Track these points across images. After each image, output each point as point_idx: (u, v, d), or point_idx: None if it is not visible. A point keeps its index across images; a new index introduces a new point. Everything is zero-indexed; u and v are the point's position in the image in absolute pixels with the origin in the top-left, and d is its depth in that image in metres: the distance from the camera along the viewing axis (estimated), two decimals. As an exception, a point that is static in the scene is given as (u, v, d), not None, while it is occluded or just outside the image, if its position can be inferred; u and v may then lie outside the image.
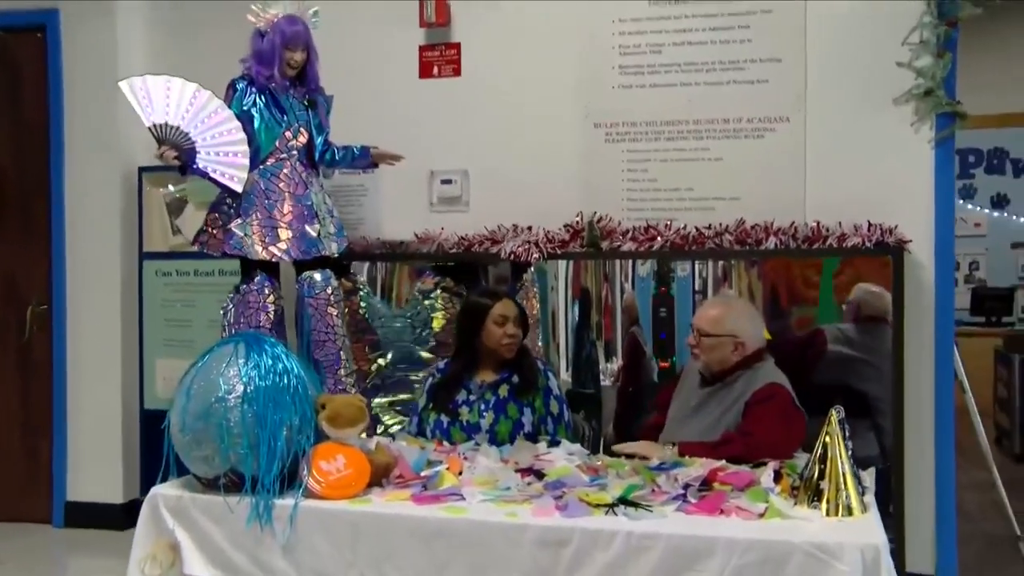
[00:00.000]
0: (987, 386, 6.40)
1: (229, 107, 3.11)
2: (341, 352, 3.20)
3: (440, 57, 3.76)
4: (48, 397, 4.28)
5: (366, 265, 3.66)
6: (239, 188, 3.04)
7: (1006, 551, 3.77)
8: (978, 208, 8.36)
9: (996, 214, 8.35)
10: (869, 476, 2.54)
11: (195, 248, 3.23)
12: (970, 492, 4.39)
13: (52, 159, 4.25)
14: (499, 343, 3.00)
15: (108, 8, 4.14)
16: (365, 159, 3.39)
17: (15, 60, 4.29)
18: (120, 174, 4.20)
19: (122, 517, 4.14)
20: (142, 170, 4.17)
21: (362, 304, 3.33)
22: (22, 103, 4.29)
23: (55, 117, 4.24)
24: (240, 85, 3.16)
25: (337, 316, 3.21)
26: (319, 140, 3.26)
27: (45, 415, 4.28)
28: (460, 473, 2.46)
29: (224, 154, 3.04)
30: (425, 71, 3.78)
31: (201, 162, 3.02)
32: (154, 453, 3.99)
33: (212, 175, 3.03)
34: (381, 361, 3.60)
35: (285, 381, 2.29)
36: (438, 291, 3.58)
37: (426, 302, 3.58)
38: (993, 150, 8.35)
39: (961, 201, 8.27)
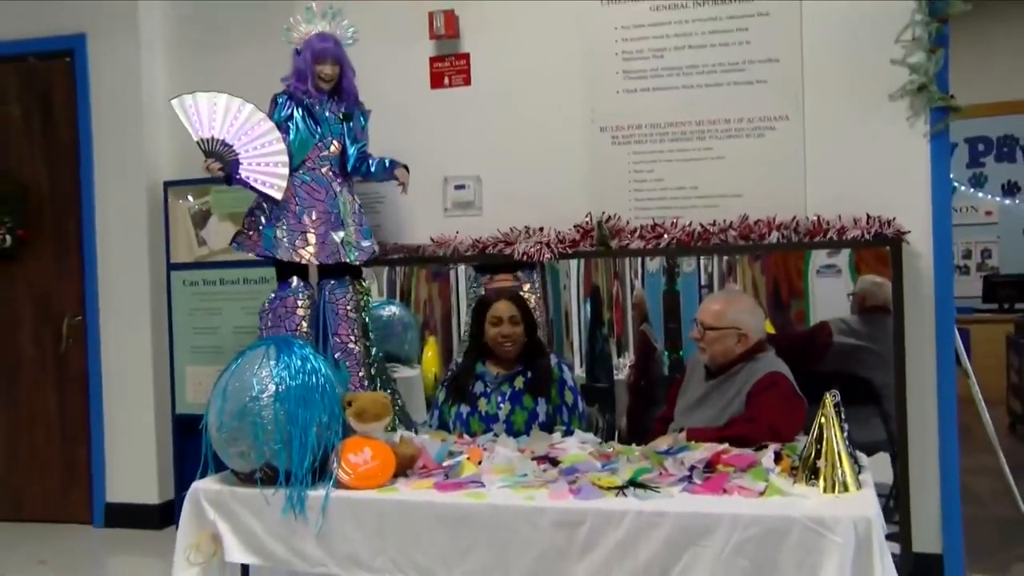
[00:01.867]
0: (1000, 373, 6.47)
1: (271, 119, 3.28)
2: (359, 355, 3.35)
3: (450, 67, 3.90)
4: (85, 404, 4.46)
5: (385, 269, 3.80)
6: (279, 196, 3.21)
7: (1014, 534, 3.87)
8: (989, 196, 8.40)
9: (1007, 202, 8.39)
10: (880, 460, 2.64)
11: (232, 247, 3.40)
12: (981, 477, 4.47)
13: (82, 177, 4.43)
14: (495, 342, 3.16)
15: (132, 32, 4.32)
16: (391, 171, 3.53)
17: (46, 84, 4.47)
18: (146, 189, 4.37)
19: (158, 517, 4.34)
20: (167, 184, 4.32)
21: (365, 309, 3.49)
22: (53, 125, 4.48)
23: (84, 137, 4.42)
24: (281, 99, 3.35)
25: (356, 321, 3.37)
26: (352, 151, 3.41)
27: (83, 421, 4.47)
28: (480, 462, 2.59)
29: (265, 164, 3.21)
30: (436, 81, 3.91)
31: (243, 172, 3.18)
32: (186, 455, 4.23)
33: (254, 184, 3.20)
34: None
35: (314, 380, 2.44)
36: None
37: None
38: (1003, 138, 8.39)
39: (972, 190, 8.32)
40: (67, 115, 4.44)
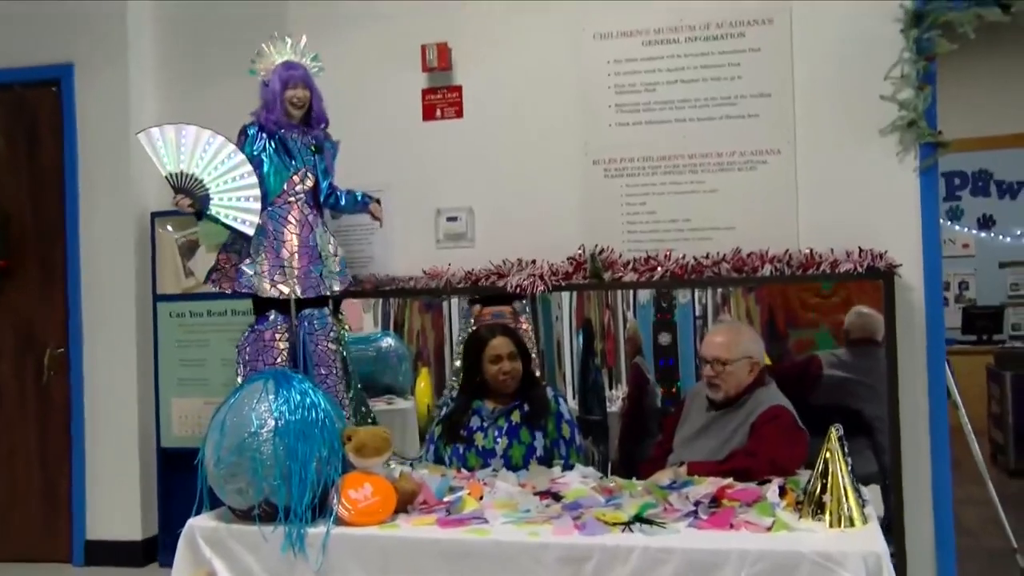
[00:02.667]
0: (980, 403, 6.53)
1: (241, 151, 3.23)
2: (339, 387, 3.30)
3: (442, 100, 3.91)
4: (67, 438, 4.37)
5: (380, 301, 3.78)
6: (251, 232, 3.17)
7: (1005, 565, 3.88)
8: (965, 229, 8.55)
9: (983, 234, 8.53)
10: (873, 492, 2.65)
11: (209, 286, 3.35)
12: (969, 507, 4.49)
13: (67, 206, 4.38)
14: (496, 379, 3.13)
15: (120, 62, 4.30)
16: (364, 207, 3.54)
17: (32, 113, 4.44)
18: (133, 219, 4.33)
19: (141, 554, 4.25)
20: (154, 215, 4.29)
21: (342, 343, 3.47)
22: (39, 154, 4.44)
23: (70, 166, 4.38)
24: (251, 131, 3.29)
25: (336, 352, 3.32)
26: (324, 184, 3.39)
27: (64, 456, 4.38)
28: (481, 498, 2.57)
29: (237, 199, 3.15)
30: (428, 113, 3.91)
31: (214, 208, 3.13)
32: (171, 490, 4.15)
33: (225, 220, 3.15)
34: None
35: (313, 415, 2.40)
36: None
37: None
38: (978, 172, 8.56)
39: (949, 223, 8.46)
40: (53, 144, 4.40)
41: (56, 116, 4.38)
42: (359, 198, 3.51)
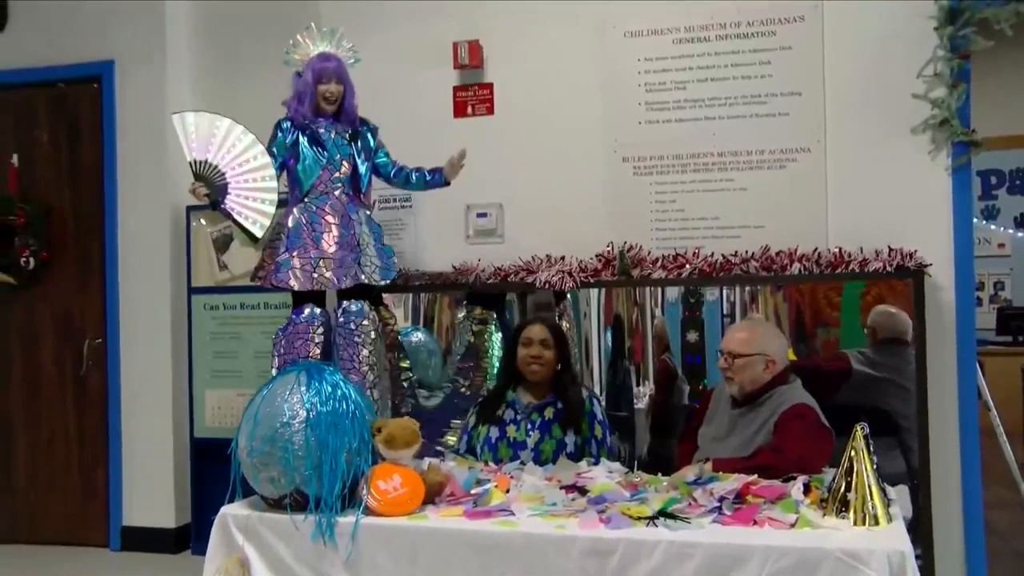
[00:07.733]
0: (1016, 405, 6.43)
1: (273, 144, 3.26)
2: (365, 382, 3.26)
3: (474, 97, 3.94)
4: (104, 427, 4.48)
5: (409, 296, 3.83)
6: (259, 233, 3.18)
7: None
8: (1001, 228, 8.42)
9: (1020, 234, 8.40)
10: (900, 492, 2.65)
11: (256, 283, 3.34)
12: (999, 510, 4.45)
13: (106, 200, 4.49)
14: (524, 364, 3.16)
15: (159, 59, 4.41)
16: (438, 180, 3.50)
17: (73, 109, 4.55)
18: (169, 214, 4.42)
19: (174, 541, 4.34)
20: (190, 209, 4.37)
21: (399, 333, 3.49)
22: (80, 149, 4.55)
23: (109, 161, 4.48)
24: (284, 125, 3.31)
25: (364, 345, 3.27)
26: (363, 169, 3.36)
27: (101, 444, 4.49)
28: (507, 491, 2.60)
29: (253, 199, 3.16)
30: (459, 110, 3.96)
31: (228, 203, 3.14)
32: (204, 480, 4.23)
33: (236, 217, 3.16)
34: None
35: (344, 407, 2.45)
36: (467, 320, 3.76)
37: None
38: (1015, 171, 8.42)
39: (984, 222, 8.34)
40: (93, 139, 4.51)
41: (96, 112, 4.49)
42: (428, 176, 3.47)
